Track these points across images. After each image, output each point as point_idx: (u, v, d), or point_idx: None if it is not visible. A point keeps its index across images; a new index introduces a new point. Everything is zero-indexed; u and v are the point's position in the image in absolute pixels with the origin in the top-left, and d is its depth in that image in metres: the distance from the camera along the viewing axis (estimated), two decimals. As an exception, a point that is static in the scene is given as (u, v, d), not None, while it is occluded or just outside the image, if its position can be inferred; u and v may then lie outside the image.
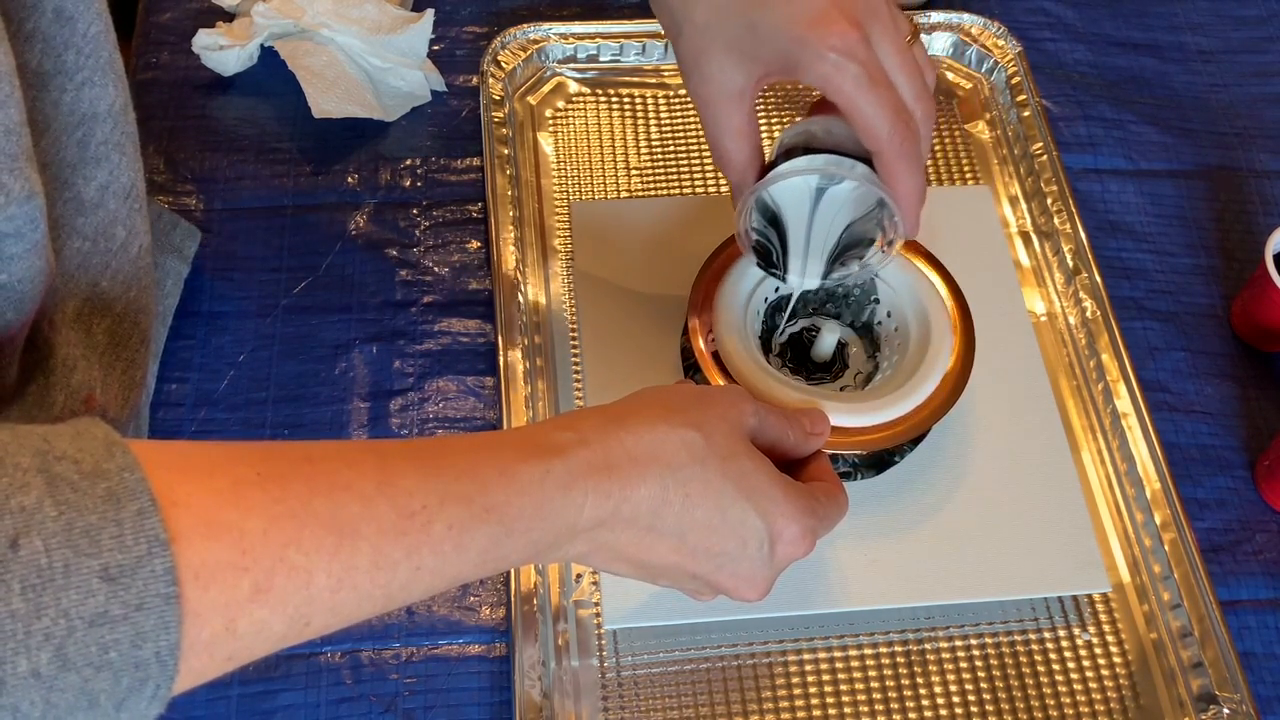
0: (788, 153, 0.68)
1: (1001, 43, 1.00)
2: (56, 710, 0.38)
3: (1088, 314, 0.87)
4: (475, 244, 0.89)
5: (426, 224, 0.89)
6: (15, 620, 0.37)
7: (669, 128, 0.95)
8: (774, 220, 0.70)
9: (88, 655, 0.38)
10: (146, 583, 0.39)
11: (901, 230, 0.68)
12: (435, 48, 0.98)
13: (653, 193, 0.92)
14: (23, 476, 0.39)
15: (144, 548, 0.39)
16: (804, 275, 0.73)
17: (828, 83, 0.62)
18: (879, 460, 0.77)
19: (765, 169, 0.69)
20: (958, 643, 0.75)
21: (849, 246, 0.71)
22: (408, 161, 0.92)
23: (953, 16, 1.01)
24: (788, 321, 0.79)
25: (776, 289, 0.78)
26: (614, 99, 0.97)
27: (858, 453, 0.76)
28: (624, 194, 0.91)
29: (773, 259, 0.72)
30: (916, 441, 0.78)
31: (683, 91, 0.97)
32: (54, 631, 0.38)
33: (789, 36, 0.62)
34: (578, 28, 0.98)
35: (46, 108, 0.60)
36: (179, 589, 0.40)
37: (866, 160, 0.66)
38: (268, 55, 0.95)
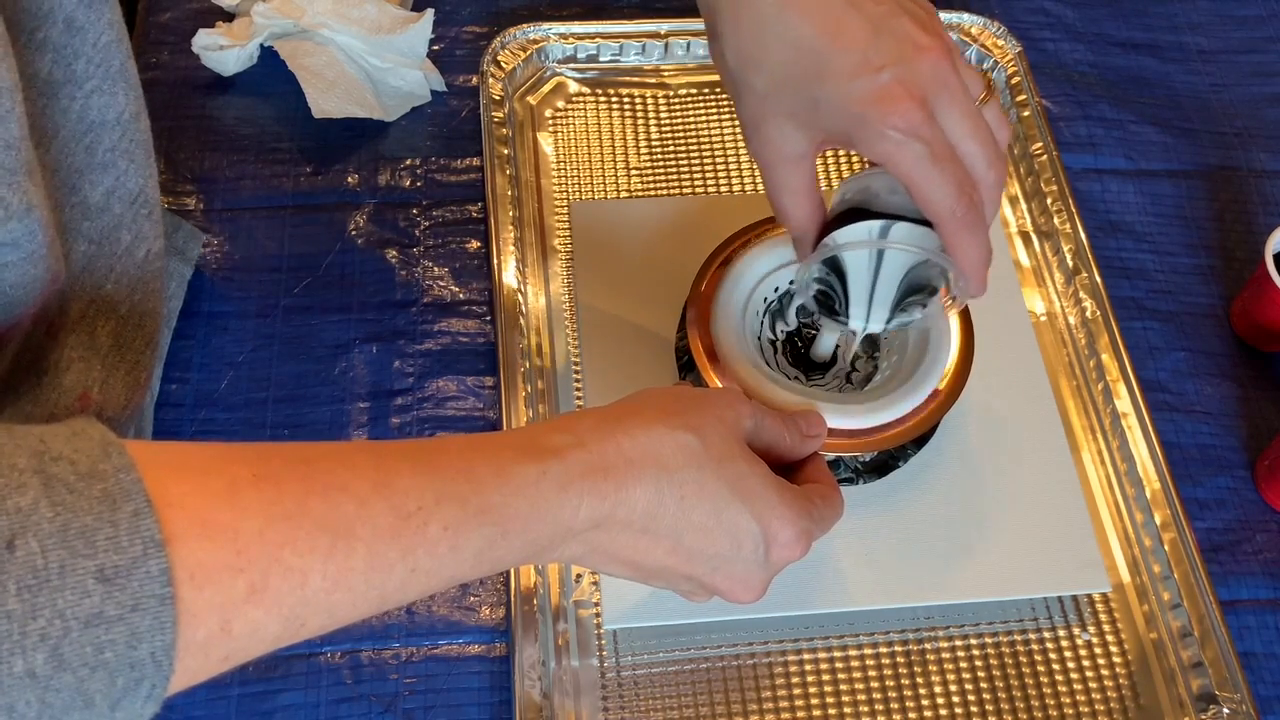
0: (848, 212, 0.67)
1: (1001, 42, 1.00)
2: (52, 710, 0.38)
3: (1088, 314, 0.87)
4: (475, 244, 0.89)
5: (426, 224, 0.89)
6: (11, 621, 0.37)
7: (669, 128, 0.95)
8: (836, 268, 0.69)
9: (83, 655, 0.38)
10: (142, 583, 0.39)
11: (967, 292, 0.67)
12: (435, 48, 0.98)
13: (653, 193, 0.92)
14: (19, 477, 0.39)
15: (139, 549, 0.39)
16: (867, 320, 0.72)
17: (889, 160, 0.61)
18: (881, 466, 0.77)
19: (826, 223, 0.68)
20: (958, 643, 0.75)
21: (910, 291, 0.70)
22: (408, 161, 0.92)
23: (953, 16, 1.01)
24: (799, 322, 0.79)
25: (776, 288, 0.78)
26: (614, 99, 0.97)
27: (861, 459, 0.76)
28: (624, 194, 0.91)
29: (834, 305, 0.71)
30: (920, 445, 0.78)
31: (683, 91, 0.97)
32: (49, 632, 0.38)
33: (850, 113, 0.60)
34: (578, 28, 0.98)
35: (56, 115, 0.60)
36: (174, 590, 0.40)
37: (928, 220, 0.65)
38: (268, 55, 0.95)
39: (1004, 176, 0.64)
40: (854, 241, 0.67)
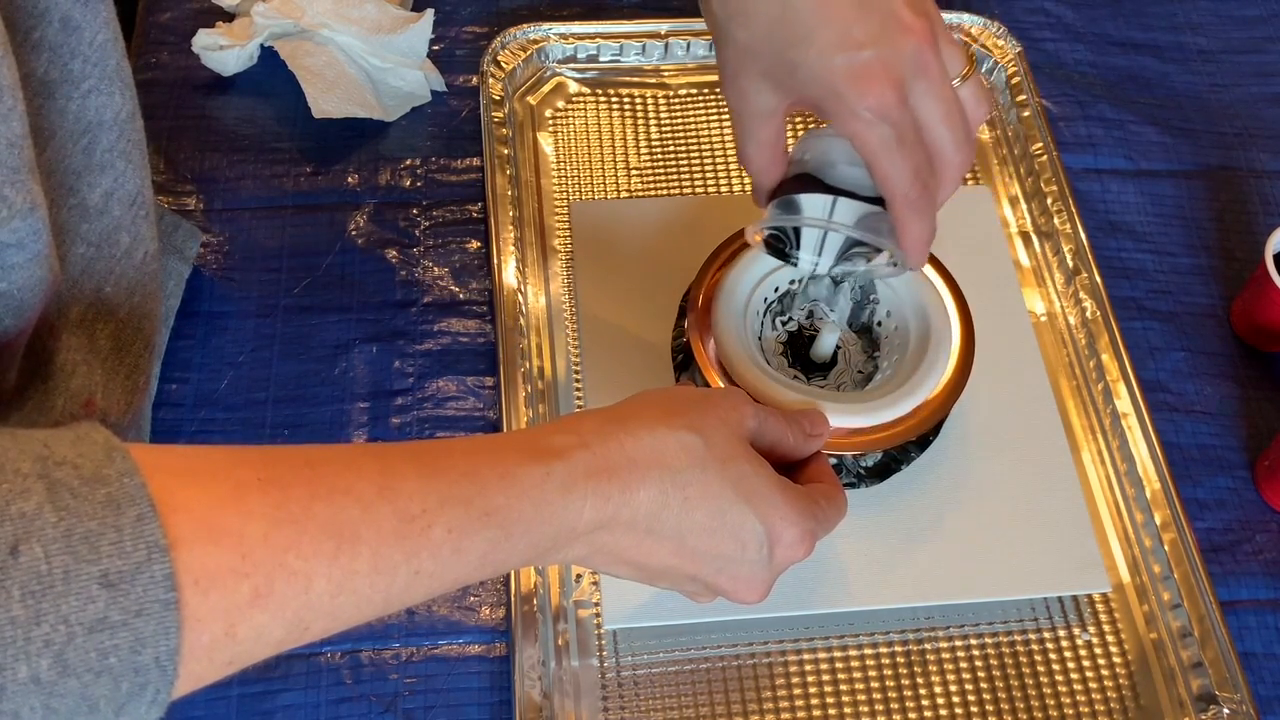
0: (805, 177, 0.69)
1: (1001, 43, 1.00)
2: (56, 716, 0.38)
3: (1088, 314, 0.87)
4: (475, 244, 0.89)
5: (426, 224, 0.89)
6: (15, 627, 0.37)
7: (669, 128, 0.95)
8: (790, 207, 0.70)
9: (87, 661, 0.38)
10: (146, 588, 0.39)
11: (906, 266, 0.69)
12: (435, 48, 0.98)
13: (653, 193, 0.92)
14: (23, 482, 0.39)
15: (143, 553, 0.39)
16: (816, 261, 0.72)
17: (855, 137, 0.62)
18: (884, 469, 0.77)
19: (784, 180, 0.70)
20: (958, 643, 0.75)
21: (859, 241, 0.71)
22: (408, 161, 0.92)
23: (953, 17, 1.01)
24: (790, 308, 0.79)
25: (777, 289, 0.78)
26: (614, 99, 0.97)
27: (863, 464, 0.76)
28: (624, 194, 0.91)
29: (784, 249, 0.73)
30: (923, 447, 0.78)
31: (683, 91, 0.97)
32: (54, 638, 0.38)
33: (826, 86, 0.61)
34: (578, 28, 0.98)
35: (53, 115, 0.60)
36: (178, 594, 0.40)
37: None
38: (268, 55, 0.95)
39: (971, 158, 0.65)
40: (808, 218, 0.69)
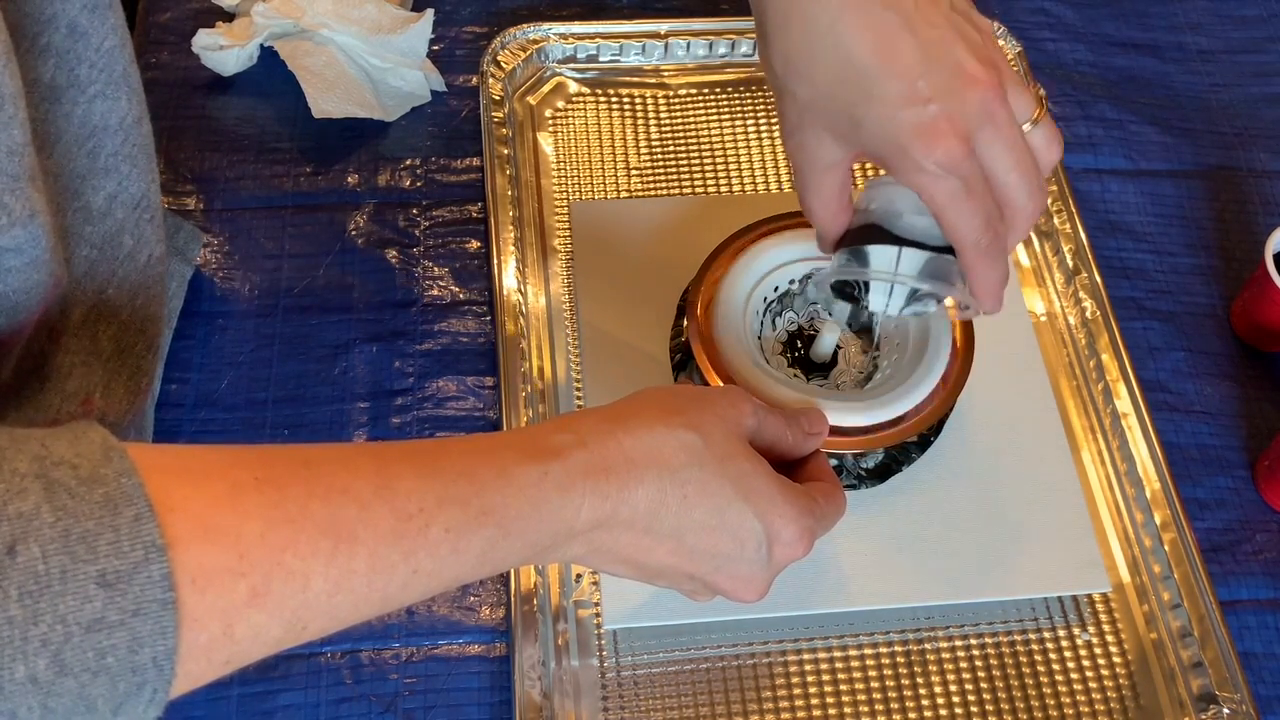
0: (869, 227, 0.67)
1: (1001, 42, 1.00)
2: (54, 715, 0.38)
3: (1088, 314, 0.87)
4: (475, 244, 0.89)
5: (426, 224, 0.89)
6: (12, 626, 0.37)
7: (669, 128, 0.95)
8: (858, 257, 0.69)
9: (85, 661, 0.38)
10: (143, 588, 0.39)
11: (979, 310, 0.68)
12: (435, 48, 0.98)
13: (653, 193, 0.92)
14: (20, 482, 0.39)
15: (141, 553, 0.39)
16: (886, 304, 0.71)
17: (923, 190, 0.61)
18: (884, 470, 0.77)
19: (850, 230, 0.68)
20: (958, 643, 0.75)
21: (930, 280, 0.69)
22: (408, 161, 0.92)
23: (953, 16, 1.01)
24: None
25: (776, 287, 0.78)
26: (614, 99, 0.97)
27: (864, 465, 0.76)
28: (624, 194, 0.91)
29: (854, 293, 0.71)
30: (924, 448, 0.78)
31: (683, 91, 0.97)
32: (51, 637, 0.38)
33: (891, 141, 0.60)
34: (578, 28, 0.98)
35: (58, 120, 0.60)
36: (176, 594, 0.40)
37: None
38: (268, 55, 0.95)
39: (1043, 205, 0.64)
40: (875, 270, 0.68)
